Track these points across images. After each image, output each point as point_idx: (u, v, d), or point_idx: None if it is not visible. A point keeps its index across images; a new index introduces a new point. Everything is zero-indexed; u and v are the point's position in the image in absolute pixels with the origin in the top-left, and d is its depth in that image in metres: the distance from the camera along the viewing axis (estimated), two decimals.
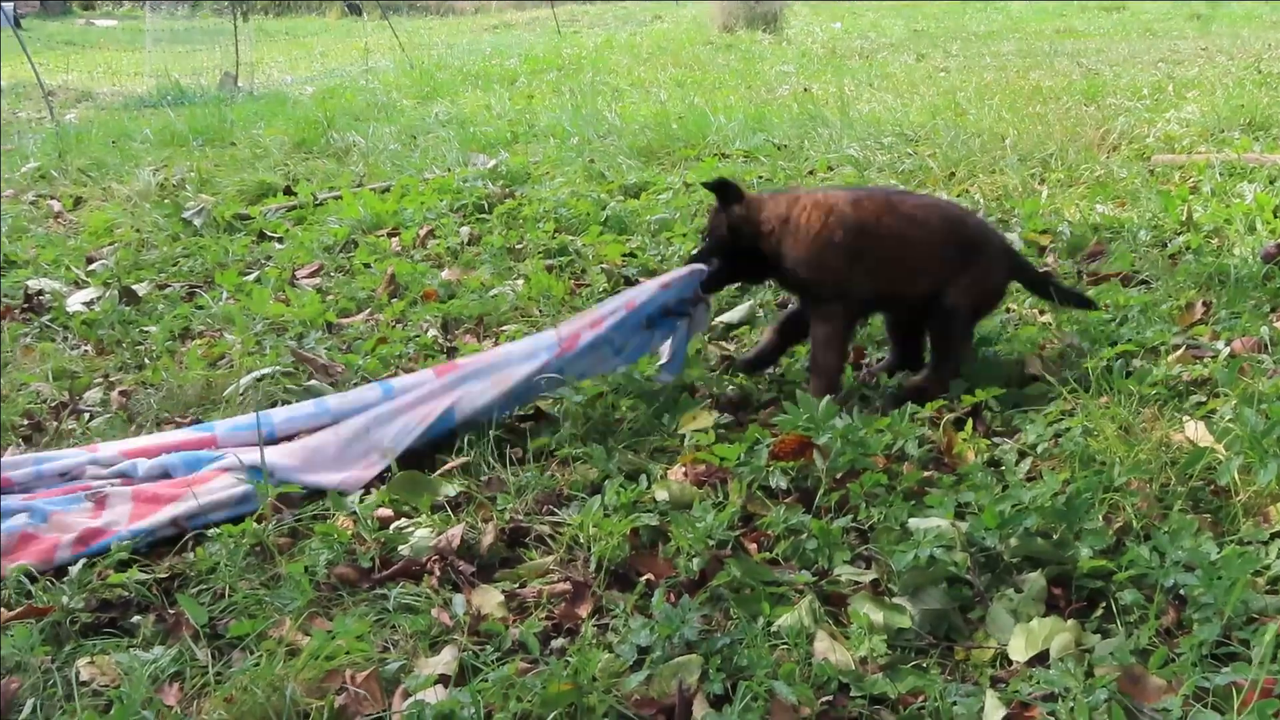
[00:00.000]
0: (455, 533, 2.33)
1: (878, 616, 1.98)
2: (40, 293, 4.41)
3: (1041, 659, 1.88)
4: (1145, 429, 2.51)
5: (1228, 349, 3.02)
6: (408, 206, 5.29)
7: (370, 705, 1.86)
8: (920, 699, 1.81)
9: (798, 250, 2.87)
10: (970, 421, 2.70)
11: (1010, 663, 1.90)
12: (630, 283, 4.12)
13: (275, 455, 2.65)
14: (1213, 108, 6.49)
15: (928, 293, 2.90)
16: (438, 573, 2.24)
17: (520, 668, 1.89)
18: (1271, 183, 4.70)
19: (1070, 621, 1.94)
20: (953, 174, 5.38)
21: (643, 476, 2.55)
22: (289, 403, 3.08)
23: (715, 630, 1.99)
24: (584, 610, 2.09)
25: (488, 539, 2.33)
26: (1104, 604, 2.00)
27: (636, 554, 2.27)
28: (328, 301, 4.08)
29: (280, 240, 5.11)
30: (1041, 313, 3.47)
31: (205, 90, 11.25)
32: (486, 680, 1.85)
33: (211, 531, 2.40)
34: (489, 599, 2.15)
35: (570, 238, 4.66)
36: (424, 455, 2.74)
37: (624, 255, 4.36)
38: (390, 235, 5.03)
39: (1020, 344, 3.17)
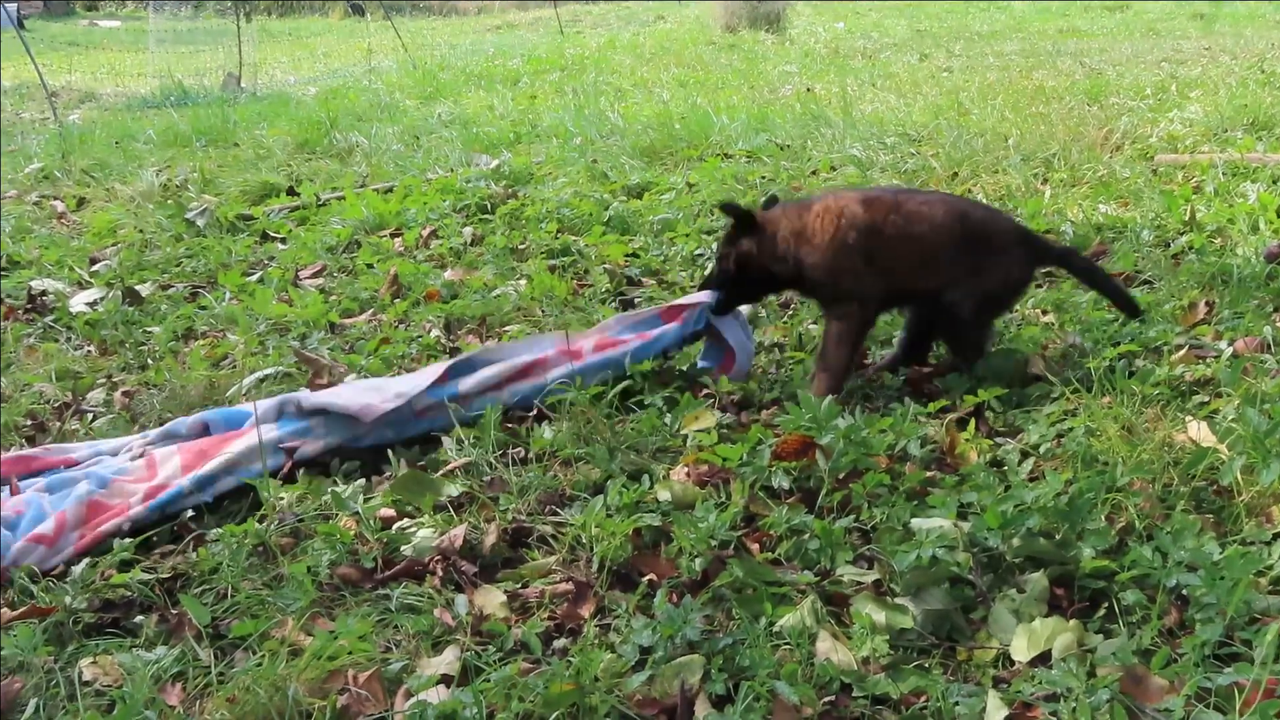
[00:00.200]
0: (458, 533, 2.33)
1: (880, 617, 1.97)
2: (44, 293, 4.42)
3: (1044, 659, 1.88)
4: (1148, 429, 2.50)
5: (1231, 349, 3.01)
6: (410, 207, 5.30)
7: (372, 705, 1.86)
8: (922, 699, 1.81)
9: (815, 256, 2.91)
10: (973, 421, 2.70)
11: (1012, 663, 1.90)
12: (633, 283, 4.13)
13: (298, 396, 2.85)
14: (1216, 107, 6.47)
15: (943, 286, 2.91)
16: (440, 573, 2.24)
17: (522, 668, 1.89)
18: (1275, 182, 4.69)
19: (1072, 622, 1.94)
20: (956, 174, 5.37)
21: (645, 476, 2.55)
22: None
23: (717, 630, 1.99)
24: (586, 610, 2.09)
25: (490, 539, 2.33)
26: (1106, 604, 1.99)
27: (639, 554, 2.27)
28: (331, 302, 4.09)
29: (283, 241, 5.12)
30: (1044, 313, 3.47)
31: (208, 91, 11.28)
32: (489, 680, 1.84)
33: (214, 532, 2.41)
34: (491, 599, 2.15)
35: (573, 238, 4.66)
36: (426, 453, 2.75)
37: (627, 255, 4.37)
38: (393, 236, 5.04)
39: (1023, 344, 3.16)
